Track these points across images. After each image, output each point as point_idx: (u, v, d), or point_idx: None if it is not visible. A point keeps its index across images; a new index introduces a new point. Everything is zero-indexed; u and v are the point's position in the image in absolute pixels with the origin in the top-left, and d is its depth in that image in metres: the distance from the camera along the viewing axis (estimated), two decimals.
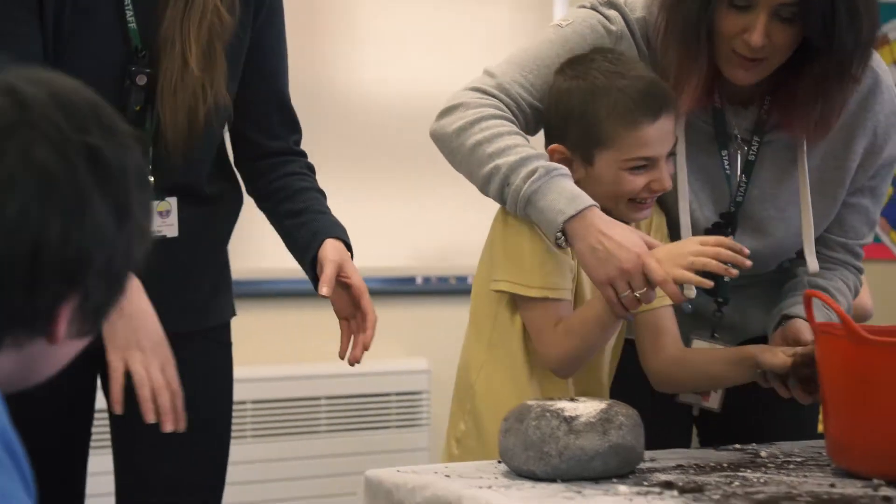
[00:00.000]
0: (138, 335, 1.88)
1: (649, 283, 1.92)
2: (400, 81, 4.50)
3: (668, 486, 1.68)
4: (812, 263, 2.16)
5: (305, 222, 2.14)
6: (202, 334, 2.15)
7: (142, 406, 1.87)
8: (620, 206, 2.08)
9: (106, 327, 1.85)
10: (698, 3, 2.02)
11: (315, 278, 2.09)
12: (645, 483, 1.71)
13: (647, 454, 1.92)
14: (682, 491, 1.64)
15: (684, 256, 1.92)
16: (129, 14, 1.97)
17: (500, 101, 2.10)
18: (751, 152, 2.19)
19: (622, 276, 1.93)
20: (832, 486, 1.70)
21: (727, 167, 2.20)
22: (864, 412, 1.74)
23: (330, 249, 2.09)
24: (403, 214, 4.37)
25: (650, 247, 1.96)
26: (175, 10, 1.97)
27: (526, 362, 2.12)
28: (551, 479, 1.73)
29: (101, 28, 1.97)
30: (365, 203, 4.32)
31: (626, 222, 2.05)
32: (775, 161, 2.21)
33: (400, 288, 4.52)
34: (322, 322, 4.16)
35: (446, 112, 2.12)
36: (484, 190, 2.06)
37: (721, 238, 1.98)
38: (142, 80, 1.97)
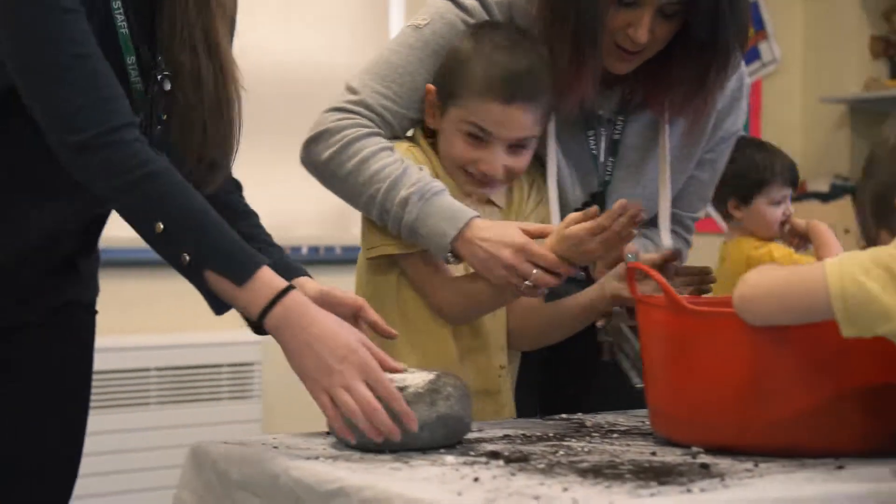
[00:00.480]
0: (324, 361, 1.72)
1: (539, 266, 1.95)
2: (236, 47, 4.43)
3: (495, 455, 1.69)
4: (666, 238, 2.22)
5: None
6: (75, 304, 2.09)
7: (371, 435, 1.71)
8: (459, 176, 2.12)
9: (296, 366, 1.74)
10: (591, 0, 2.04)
11: None
12: (472, 453, 1.72)
13: (475, 425, 1.94)
14: (508, 461, 1.65)
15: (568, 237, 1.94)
16: None
17: (364, 117, 2.10)
18: (615, 132, 2.24)
19: (510, 272, 1.96)
20: (653, 454, 1.72)
21: (593, 148, 2.23)
22: (682, 382, 1.77)
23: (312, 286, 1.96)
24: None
25: (531, 233, 1.99)
26: None
27: (403, 325, 2.10)
28: (379, 451, 1.73)
29: None
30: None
31: (469, 196, 2.11)
32: (638, 140, 2.25)
33: None
34: (151, 293, 4.17)
35: (313, 141, 2.11)
36: (367, 213, 2.09)
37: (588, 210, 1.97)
38: None
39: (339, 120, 2.09)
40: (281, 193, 4.47)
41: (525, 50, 2.09)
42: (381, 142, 2.09)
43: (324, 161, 2.09)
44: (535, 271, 1.96)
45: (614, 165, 2.24)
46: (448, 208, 2.02)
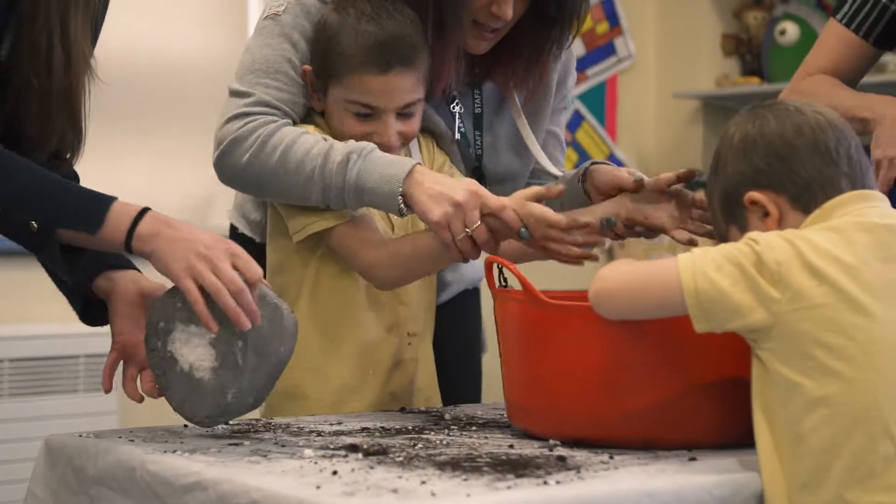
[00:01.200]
0: (193, 247, 1.72)
1: (484, 219, 1.93)
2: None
3: (354, 448, 1.69)
4: (546, 163, 2.29)
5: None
6: None
7: (232, 317, 1.71)
8: None
9: (165, 264, 1.72)
10: None
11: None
12: (331, 447, 1.72)
13: (333, 417, 1.94)
14: (367, 454, 1.65)
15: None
16: None
17: (266, 114, 2.06)
18: (476, 106, 2.26)
19: (457, 212, 1.92)
20: (511, 446, 1.74)
21: (461, 125, 2.26)
22: (538, 374, 1.79)
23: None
24: (95, 172, 3.87)
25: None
26: None
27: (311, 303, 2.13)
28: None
29: None
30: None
31: None
32: (493, 108, 2.29)
33: None
34: (3, 283, 4.09)
35: (226, 153, 2.06)
36: (305, 201, 2.04)
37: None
38: None
39: (245, 125, 2.05)
40: (138, 179, 4.43)
41: (391, 14, 2.07)
42: (295, 129, 2.06)
43: (244, 165, 2.04)
44: (478, 223, 1.93)
45: (482, 138, 2.27)
46: (390, 159, 1.99)
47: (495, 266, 1.88)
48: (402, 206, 1.96)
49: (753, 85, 5.13)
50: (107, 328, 1.88)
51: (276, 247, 2.18)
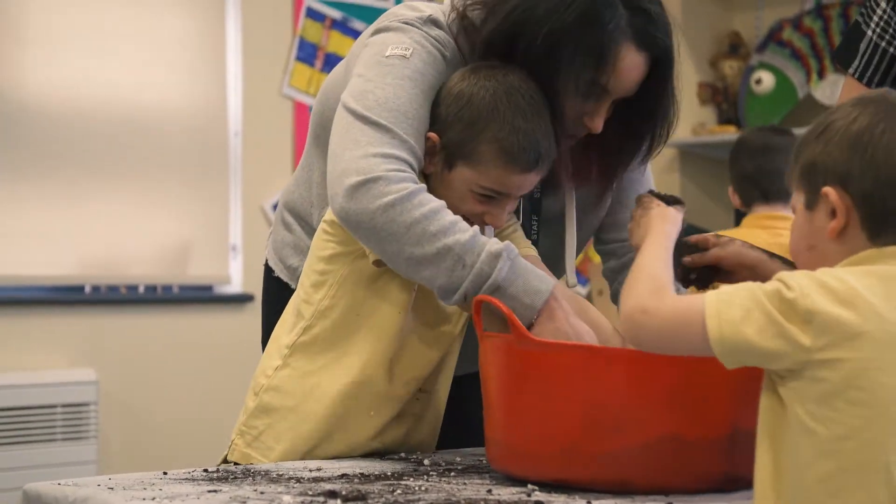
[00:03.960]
0: None
1: None
2: (66, 83, 4.43)
3: (332, 495, 1.68)
4: (572, 279, 2.21)
5: None
6: None
7: None
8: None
9: None
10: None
11: None
12: (310, 493, 1.71)
13: (313, 463, 1.94)
14: (346, 500, 1.65)
15: None
16: None
17: (411, 165, 1.95)
18: (535, 189, 2.19)
19: None
20: (489, 491, 1.74)
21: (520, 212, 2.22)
22: (519, 413, 1.78)
23: None
24: (70, 220, 4.25)
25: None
26: None
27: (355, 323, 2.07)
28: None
29: None
30: (30, 208, 4.24)
31: None
32: (554, 198, 2.24)
33: (67, 297, 4.40)
34: None
35: (361, 187, 1.90)
36: (422, 268, 1.90)
37: None
38: None
39: (398, 171, 1.92)
40: (115, 228, 4.45)
41: (540, 110, 2.01)
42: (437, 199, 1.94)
43: (382, 206, 1.89)
44: None
45: (539, 224, 2.24)
46: (534, 271, 1.92)
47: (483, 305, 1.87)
48: (534, 320, 1.90)
49: (730, 133, 5.15)
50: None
51: (316, 268, 2.10)
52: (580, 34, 1.99)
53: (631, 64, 2.04)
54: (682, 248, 1.96)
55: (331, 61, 5.23)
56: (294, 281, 2.25)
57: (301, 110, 5.21)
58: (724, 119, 5.41)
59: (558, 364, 1.74)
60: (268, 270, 2.35)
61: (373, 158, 1.92)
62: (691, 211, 1.72)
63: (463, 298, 1.90)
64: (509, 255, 1.89)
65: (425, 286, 1.95)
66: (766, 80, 5.23)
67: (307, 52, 5.22)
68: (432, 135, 2.01)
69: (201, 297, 4.85)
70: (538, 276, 1.91)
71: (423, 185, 1.94)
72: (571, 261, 2.24)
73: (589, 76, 2.02)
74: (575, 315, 1.93)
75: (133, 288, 4.62)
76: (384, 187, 1.89)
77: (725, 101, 5.42)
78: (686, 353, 1.57)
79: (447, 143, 2.02)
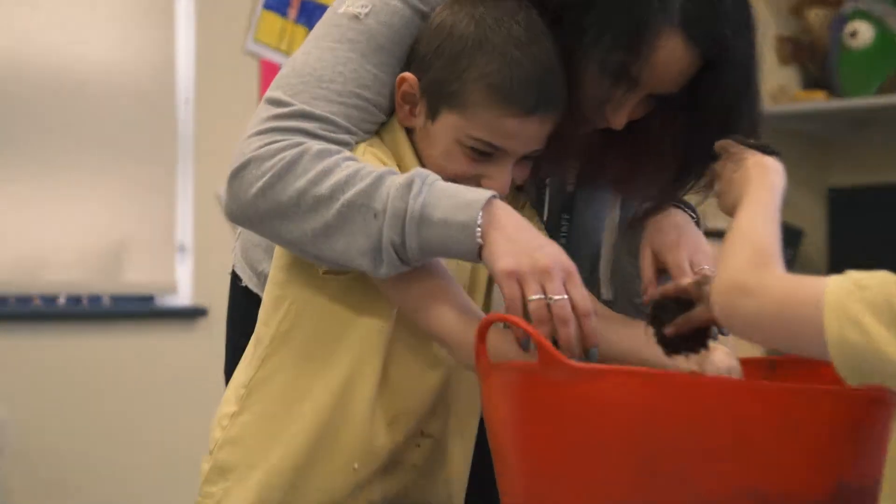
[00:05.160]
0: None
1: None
2: (20, 43, 4.25)
3: None
4: (606, 291, 2.21)
5: None
6: None
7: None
8: None
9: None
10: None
11: None
12: None
13: None
14: None
15: None
16: None
17: (305, 131, 1.87)
18: (569, 181, 2.18)
19: (537, 272, 1.73)
20: None
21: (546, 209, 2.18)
22: (542, 472, 1.66)
23: None
24: (24, 217, 4.22)
25: None
26: None
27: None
28: None
29: None
30: None
31: None
32: (590, 198, 2.24)
33: None
34: None
35: (234, 180, 1.86)
36: (334, 240, 1.82)
37: None
38: None
39: (270, 143, 1.86)
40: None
41: (542, 41, 1.90)
42: (341, 152, 1.86)
43: (255, 194, 1.83)
44: (563, 296, 1.71)
45: (570, 224, 2.20)
46: (463, 187, 1.83)
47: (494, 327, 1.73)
48: (479, 239, 1.76)
49: (819, 101, 5.10)
50: None
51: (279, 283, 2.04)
52: (612, 4, 1.90)
53: (671, 57, 1.90)
54: (658, 310, 1.82)
55: (308, 9, 4.89)
56: None
57: (269, 71, 4.80)
58: (811, 82, 5.26)
59: (600, 398, 1.60)
60: (234, 279, 2.25)
61: (245, 141, 1.89)
62: None
63: (396, 257, 1.79)
64: (424, 179, 1.81)
65: (358, 269, 1.87)
66: (864, 32, 5.00)
67: None
68: (407, 75, 1.95)
69: (140, 310, 4.64)
70: (467, 190, 1.81)
71: (323, 146, 1.85)
72: (607, 270, 2.21)
73: (618, 58, 1.91)
74: (534, 228, 1.82)
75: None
76: (255, 170, 1.85)
77: (812, 59, 5.25)
78: (792, 351, 1.52)
79: (427, 85, 1.94)
